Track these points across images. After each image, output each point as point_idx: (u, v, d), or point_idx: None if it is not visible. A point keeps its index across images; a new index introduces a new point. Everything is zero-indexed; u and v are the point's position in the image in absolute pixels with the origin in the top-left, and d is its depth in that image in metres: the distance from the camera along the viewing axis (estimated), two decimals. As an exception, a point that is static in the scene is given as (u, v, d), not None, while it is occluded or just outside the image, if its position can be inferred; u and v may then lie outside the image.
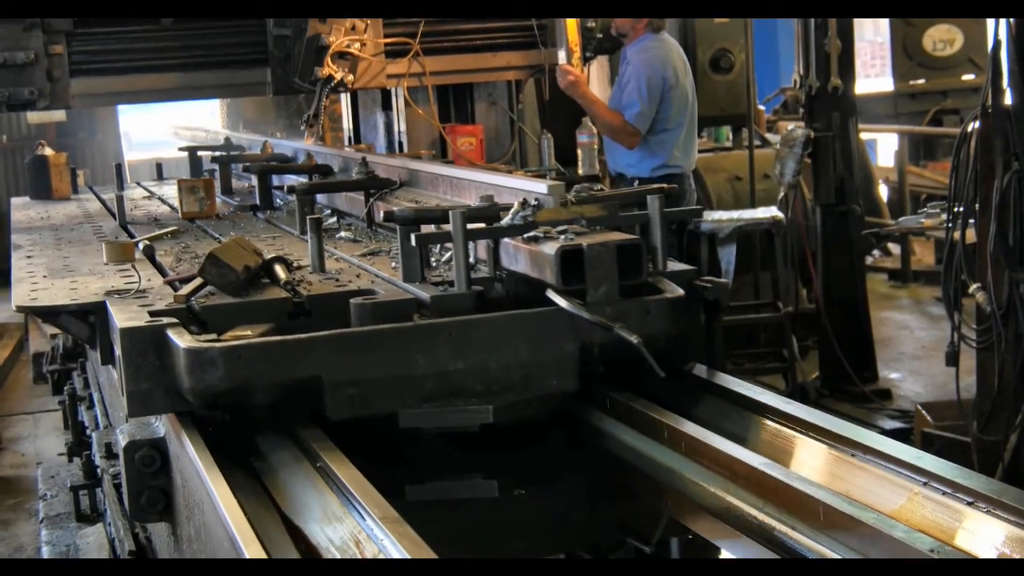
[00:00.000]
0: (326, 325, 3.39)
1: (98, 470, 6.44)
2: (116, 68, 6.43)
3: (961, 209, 5.60)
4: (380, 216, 4.73)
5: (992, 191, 5.29)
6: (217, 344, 3.03)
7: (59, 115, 16.68)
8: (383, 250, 4.21)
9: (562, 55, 6.82)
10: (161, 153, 18.37)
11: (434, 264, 3.78)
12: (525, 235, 3.34)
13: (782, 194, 8.05)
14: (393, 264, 3.89)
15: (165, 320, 3.21)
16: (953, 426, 6.12)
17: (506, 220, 3.39)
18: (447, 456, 3.26)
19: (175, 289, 3.73)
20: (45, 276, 4.13)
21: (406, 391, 3.10)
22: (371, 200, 4.83)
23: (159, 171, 8.65)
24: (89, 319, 3.63)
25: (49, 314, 3.63)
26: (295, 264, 3.88)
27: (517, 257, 3.39)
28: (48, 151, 7.68)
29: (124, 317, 3.30)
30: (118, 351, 3.23)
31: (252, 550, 2.32)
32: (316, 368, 3.05)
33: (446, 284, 3.45)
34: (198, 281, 3.55)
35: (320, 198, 5.28)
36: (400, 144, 7.13)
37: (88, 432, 7.11)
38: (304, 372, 3.05)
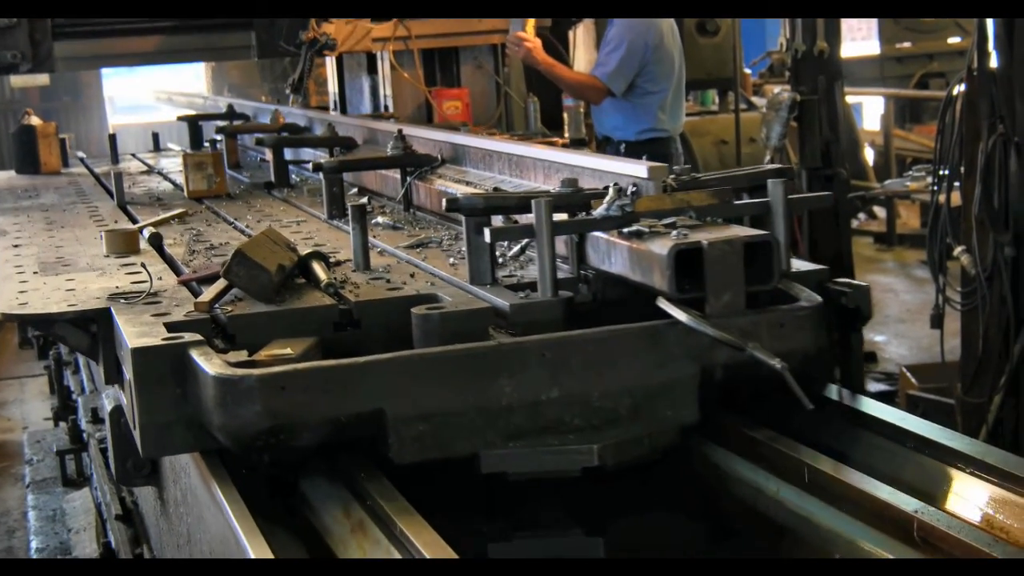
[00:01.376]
0: (377, 338, 2.80)
1: (84, 434, 6.66)
2: (99, 31, 5.96)
3: (946, 172, 5.67)
4: (420, 198, 4.13)
5: (978, 154, 5.28)
6: (255, 371, 2.41)
7: (42, 79, 16.29)
8: (432, 240, 3.59)
9: (514, 24, 6.63)
10: (146, 118, 17.90)
11: (499, 260, 3.16)
12: (624, 229, 2.73)
13: (768, 158, 7.95)
14: (451, 260, 3.28)
15: (186, 337, 2.60)
16: (937, 388, 6.25)
17: (600, 210, 2.77)
18: (534, 500, 2.66)
19: (193, 292, 3.12)
20: (36, 272, 3.51)
21: (489, 427, 2.50)
22: (409, 179, 4.21)
23: (155, 141, 8.00)
24: (90, 328, 3.01)
25: (42, 323, 3.01)
26: (332, 258, 3.26)
27: (612, 255, 2.78)
28: (35, 120, 7.02)
29: (135, 331, 2.68)
30: (128, 374, 2.62)
31: (236, 510, 2.26)
32: (378, 400, 2.44)
33: (526, 289, 2.83)
34: (222, 284, 2.93)
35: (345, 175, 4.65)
36: (386, 107, 7.01)
37: (74, 397, 7.17)
38: (364, 405, 2.44)
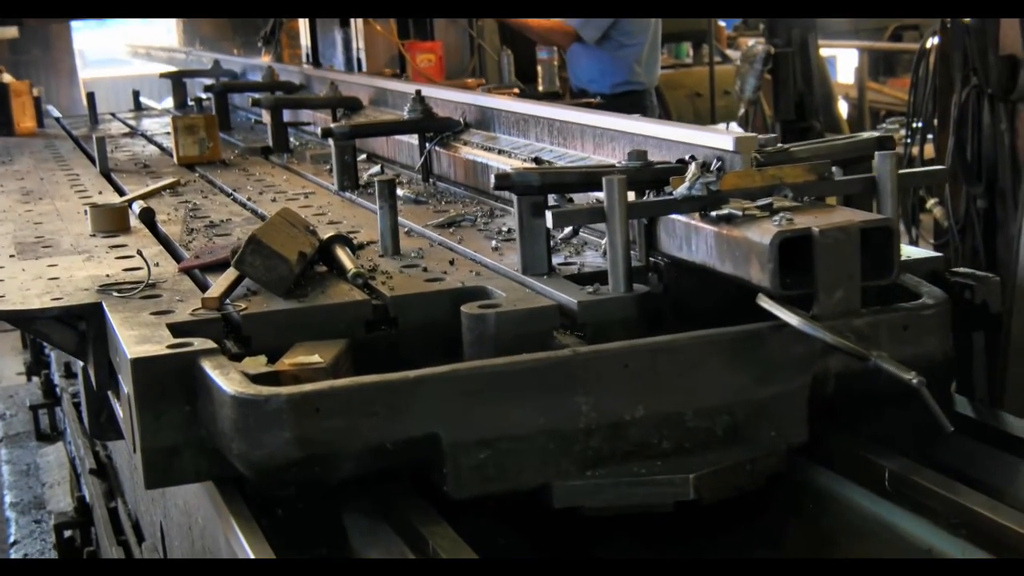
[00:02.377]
0: (415, 339, 2.39)
1: (57, 389, 6.73)
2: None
3: (920, 125, 5.74)
4: (442, 167, 3.70)
5: (951, 106, 5.26)
6: (283, 391, 1.99)
7: (11, 32, 15.75)
8: (465, 217, 3.16)
9: None
10: (119, 72, 17.37)
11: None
12: (710, 212, 2.31)
13: (742, 110, 8.05)
14: (493, 243, 2.85)
15: (196, 344, 2.17)
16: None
17: (681, 189, 2.35)
18: (609, 536, 2.25)
19: (197, 281, 2.69)
20: (13, 256, 3.06)
21: (562, 453, 2.08)
22: (429, 146, 3.77)
23: (136, 100, 7.52)
24: (78, 326, 2.57)
25: (22, 320, 2.57)
26: (354, 241, 2.83)
27: (693, 241, 2.36)
28: (8, 78, 6.55)
29: (133, 335, 2.25)
30: (126, 388, 2.19)
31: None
32: (431, 423, 2.02)
33: (593, 281, 2.41)
34: (233, 275, 2.50)
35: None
36: (359, 62, 6.89)
37: (46, 351, 7.12)
38: (414, 430, 2.02)
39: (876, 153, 2.41)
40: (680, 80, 9.72)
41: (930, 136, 5.74)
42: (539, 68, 6.77)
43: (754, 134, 2.48)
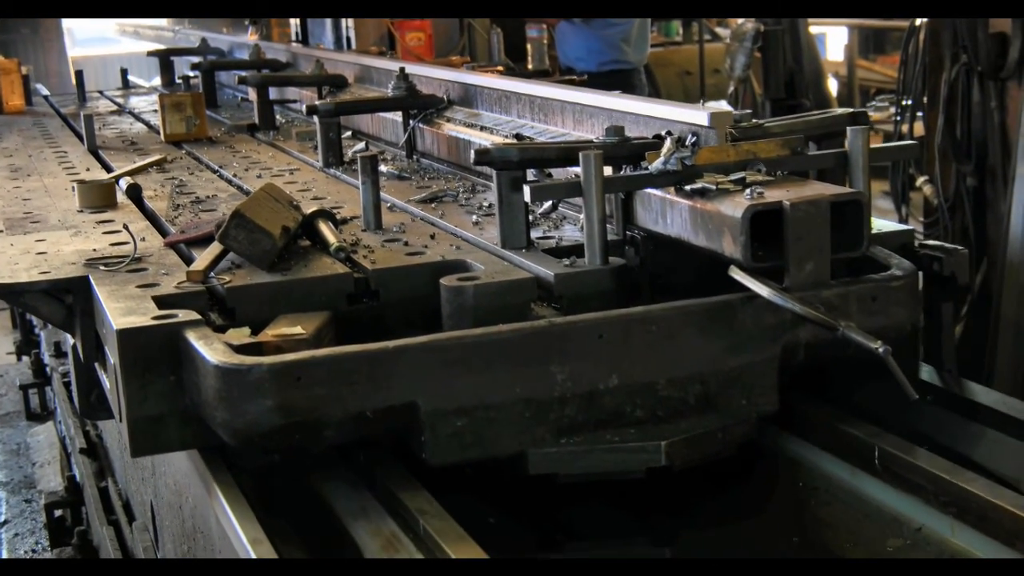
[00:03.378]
0: (396, 311, 2.44)
1: (47, 368, 6.76)
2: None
3: (910, 102, 5.77)
4: (425, 143, 3.74)
5: (940, 84, 5.32)
6: (266, 360, 2.04)
7: (-4, 9, 15.64)
8: (447, 193, 3.21)
9: None
10: (108, 50, 17.32)
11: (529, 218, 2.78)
12: (685, 186, 2.36)
13: (732, 88, 8.08)
14: (473, 217, 2.90)
15: (181, 315, 2.22)
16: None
17: (657, 164, 2.40)
18: (584, 503, 2.31)
19: (182, 256, 2.73)
20: (2, 231, 3.11)
21: (538, 422, 2.13)
22: (412, 123, 3.82)
23: (124, 78, 7.54)
24: (65, 299, 2.62)
25: (10, 294, 2.61)
26: (337, 216, 2.88)
27: (668, 215, 2.42)
28: (-4, 56, 6.56)
29: (119, 307, 2.30)
30: (112, 359, 2.24)
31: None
32: (410, 392, 2.07)
33: (570, 255, 2.46)
34: (217, 248, 2.55)
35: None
36: (348, 40, 6.83)
37: (37, 331, 7.23)
38: (393, 398, 2.07)
39: (848, 128, 2.47)
40: (670, 58, 9.73)
41: (920, 114, 5.75)
42: (529, 47, 6.85)
43: (729, 110, 2.53)
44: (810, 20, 8.48)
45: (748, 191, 2.25)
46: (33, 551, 5.58)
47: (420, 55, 6.40)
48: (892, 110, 6.41)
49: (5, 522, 5.92)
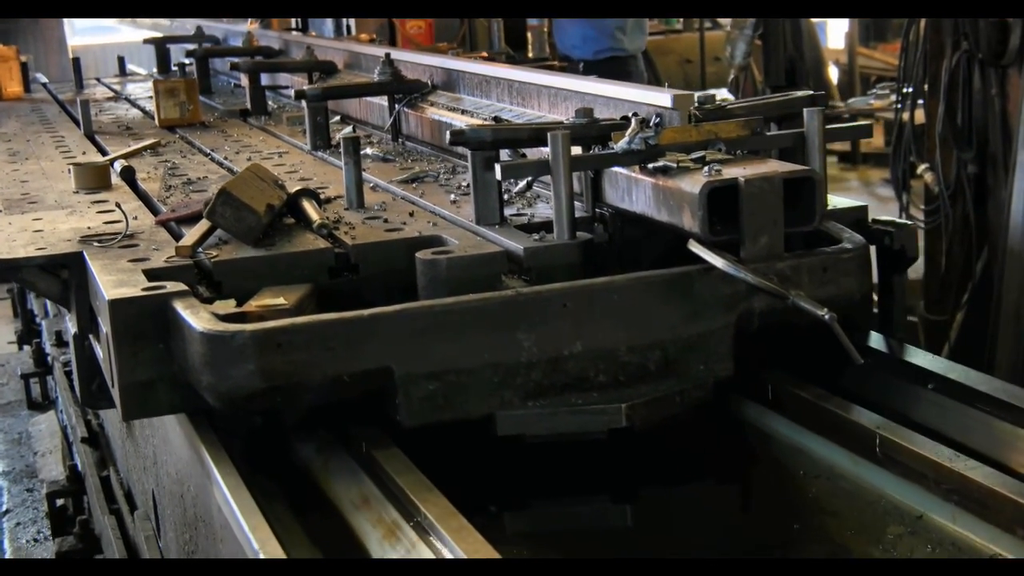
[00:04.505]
0: (376, 284, 2.57)
1: (49, 358, 6.80)
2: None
3: (910, 90, 5.73)
4: (410, 127, 3.87)
5: (941, 72, 5.31)
6: (248, 327, 2.17)
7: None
8: (428, 174, 3.34)
9: None
10: (107, 38, 17.40)
11: (504, 196, 2.91)
12: (648, 164, 2.49)
13: (732, 76, 8.13)
14: (452, 196, 3.03)
15: (169, 286, 2.35)
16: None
17: (622, 143, 2.53)
18: (552, 464, 2.44)
19: (172, 233, 2.86)
20: (1, 211, 3.23)
21: (506, 385, 2.27)
22: (397, 107, 3.94)
23: (121, 65, 7.66)
24: (61, 274, 2.75)
25: (8, 270, 2.74)
26: (321, 195, 3.01)
27: (634, 192, 2.54)
28: (-6, 43, 6.68)
29: (111, 280, 2.43)
30: (105, 328, 2.37)
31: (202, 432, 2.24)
32: (384, 357, 2.20)
33: (540, 230, 2.59)
34: (205, 225, 2.68)
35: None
36: (348, 27, 6.86)
37: (38, 320, 7.26)
38: (368, 363, 2.20)
39: (804, 110, 2.59)
40: (670, 46, 9.72)
41: (920, 101, 5.71)
42: (529, 35, 6.90)
43: (690, 92, 2.66)
44: (811, 7, 8.55)
45: (707, 169, 2.38)
46: (35, 540, 5.66)
47: (420, 43, 6.46)
48: (893, 97, 6.44)
49: (7, 511, 5.99)
